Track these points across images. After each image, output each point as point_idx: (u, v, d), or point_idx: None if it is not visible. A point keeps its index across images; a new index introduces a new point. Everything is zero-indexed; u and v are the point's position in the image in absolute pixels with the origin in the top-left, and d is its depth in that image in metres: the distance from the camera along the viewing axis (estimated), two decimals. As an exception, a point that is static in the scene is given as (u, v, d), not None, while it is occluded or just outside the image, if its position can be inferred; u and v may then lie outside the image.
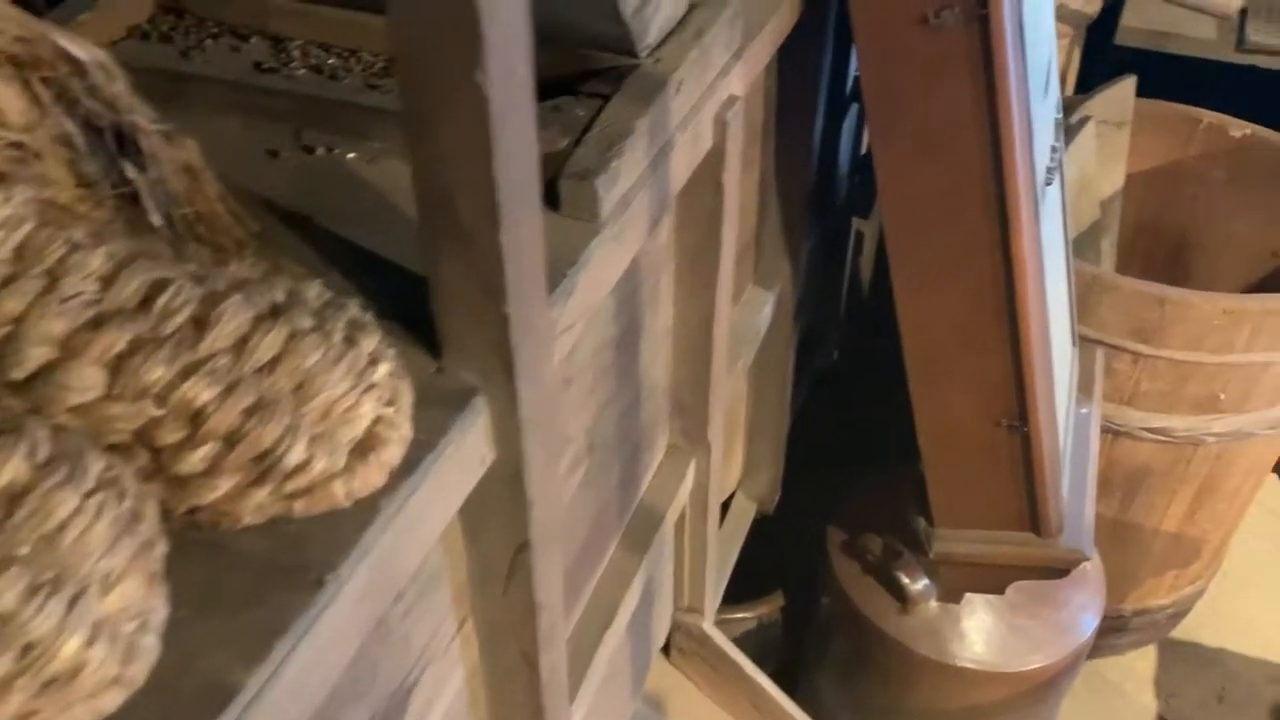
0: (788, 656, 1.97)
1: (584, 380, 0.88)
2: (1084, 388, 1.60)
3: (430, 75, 0.51)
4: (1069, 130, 1.99)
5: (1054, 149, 1.31)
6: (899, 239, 1.24)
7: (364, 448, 0.53)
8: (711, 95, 0.91)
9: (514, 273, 0.57)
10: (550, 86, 0.87)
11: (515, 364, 0.60)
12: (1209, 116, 2.07)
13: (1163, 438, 1.77)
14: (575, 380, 0.85)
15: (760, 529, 1.77)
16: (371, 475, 0.53)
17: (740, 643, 1.95)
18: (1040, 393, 1.28)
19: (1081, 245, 2.09)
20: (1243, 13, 2.54)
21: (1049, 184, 1.26)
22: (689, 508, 1.22)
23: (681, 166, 0.88)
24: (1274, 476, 2.61)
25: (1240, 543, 2.28)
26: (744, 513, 1.68)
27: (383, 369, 0.53)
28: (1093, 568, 1.68)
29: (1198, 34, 2.48)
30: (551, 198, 0.75)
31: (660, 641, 1.33)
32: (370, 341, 0.53)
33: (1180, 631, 2.22)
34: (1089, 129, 1.97)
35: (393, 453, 0.54)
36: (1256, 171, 2.05)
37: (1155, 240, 2.26)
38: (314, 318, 0.52)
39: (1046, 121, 1.28)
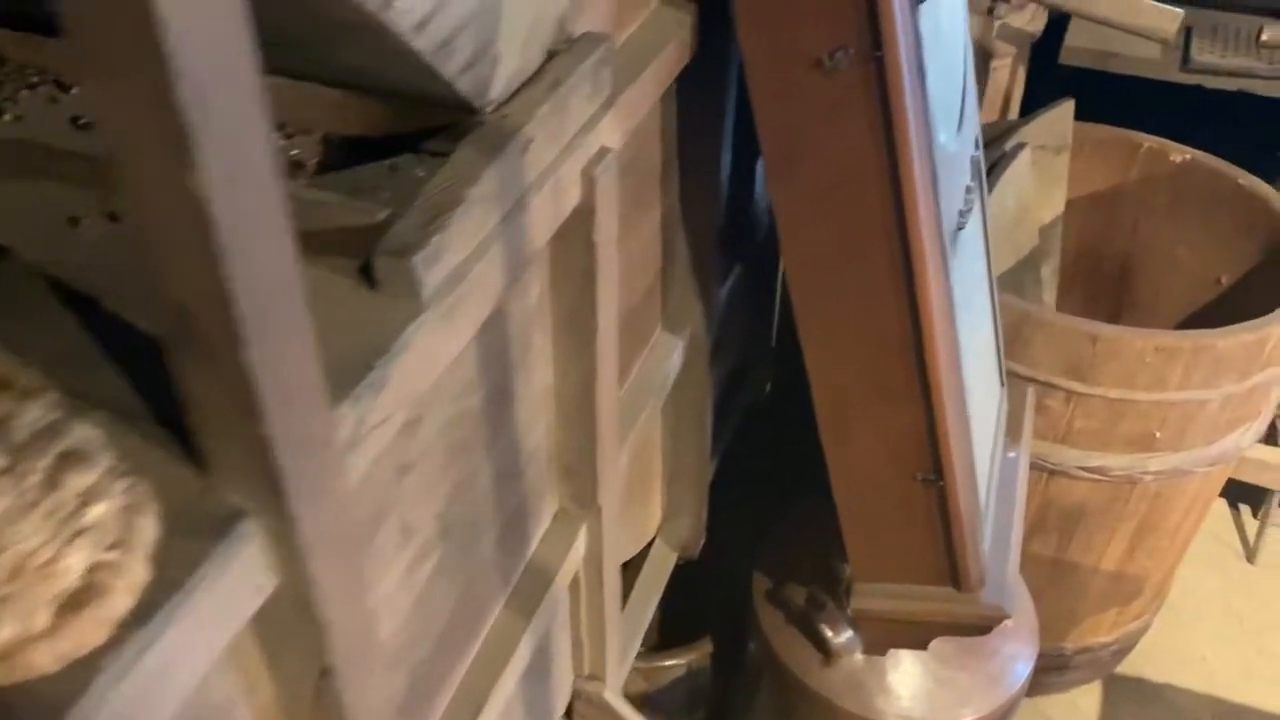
0: (718, 704, 1.90)
1: (431, 462, 0.81)
2: (1012, 430, 1.55)
3: (139, 175, 0.44)
4: (1005, 156, 1.94)
5: (969, 189, 1.25)
6: (802, 287, 1.17)
7: (77, 601, 0.45)
8: (575, 149, 0.84)
9: (274, 389, 0.50)
10: (391, 142, 0.81)
11: (286, 486, 0.53)
12: (1149, 141, 2.03)
13: (1099, 476, 1.72)
14: (419, 464, 0.78)
15: (689, 571, 1.71)
16: (87, 632, 0.46)
17: (670, 690, 1.88)
18: (955, 445, 1.22)
19: (1021, 273, 2.04)
20: (1187, 32, 2.50)
21: (961, 228, 1.20)
22: (583, 573, 1.15)
23: (539, 228, 0.81)
24: (1222, 502, 2.57)
25: (1187, 575, 2.23)
26: (664, 560, 1.61)
27: (99, 509, 0.46)
28: (1024, 616, 1.62)
29: (1141, 54, 2.44)
30: (369, 276, 0.68)
31: (560, 710, 1.26)
32: (85, 477, 0.46)
33: (1125, 667, 2.17)
34: (1025, 155, 1.92)
35: (117, 603, 0.47)
36: (1197, 196, 2.00)
37: (1098, 266, 2.21)
38: (11, 455, 0.45)
39: (960, 162, 1.22)
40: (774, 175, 1.10)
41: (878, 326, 1.16)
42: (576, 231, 0.89)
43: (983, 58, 2.37)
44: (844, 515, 1.33)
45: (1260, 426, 1.80)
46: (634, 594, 1.52)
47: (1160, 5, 1.84)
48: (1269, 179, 2.08)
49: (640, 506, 1.49)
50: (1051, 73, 2.63)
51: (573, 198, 0.86)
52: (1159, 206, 2.06)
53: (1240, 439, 1.76)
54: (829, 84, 1.02)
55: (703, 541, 1.70)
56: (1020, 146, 1.93)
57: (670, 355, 1.35)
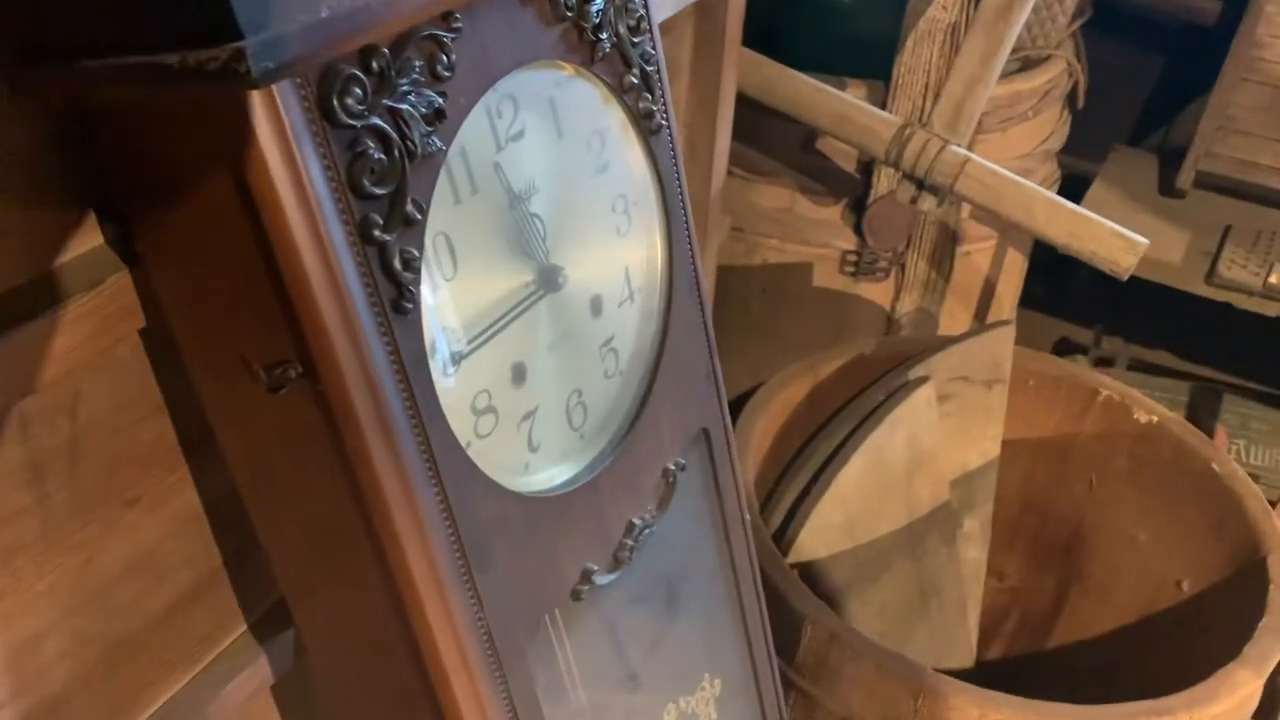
0: None
1: None
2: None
3: None
4: (903, 389, 1.51)
5: (638, 524, 0.85)
6: (318, 666, 0.80)
7: None
8: None
9: None
10: None
11: None
12: (1109, 388, 1.57)
13: None
14: None
15: None
16: None
17: None
18: None
19: (922, 534, 1.60)
20: (1223, 234, 2.02)
21: (585, 592, 0.81)
22: None
23: None
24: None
25: None
26: None
27: None
28: None
29: (1159, 257, 1.97)
30: None
31: None
32: None
33: None
34: (923, 394, 1.49)
35: None
36: (1161, 470, 1.54)
37: (1045, 525, 1.75)
38: None
39: (614, 488, 0.83)
40: (259, 518, 0.74)
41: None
42: None
43: (949, 241, 1.94)
44: None
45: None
46: None
47: (1122, 233, 1.39)
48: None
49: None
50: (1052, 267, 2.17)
51: None
52: (1118, 470, 1.60)
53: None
54: (276, 404, 0.66)
55: None
56: (921, 381, 1.50)
57: (250, 663, 0.98)
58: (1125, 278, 1.40)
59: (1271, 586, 1.28)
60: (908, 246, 1.90)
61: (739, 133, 1.67)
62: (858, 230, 1.88)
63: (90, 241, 0.73)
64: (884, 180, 1.77)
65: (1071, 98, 2.03)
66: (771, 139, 1.86)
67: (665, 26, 1.26)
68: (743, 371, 1.88)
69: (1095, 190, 2.14)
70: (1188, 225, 2.05)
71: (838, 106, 1.54)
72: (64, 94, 0.58)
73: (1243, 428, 2.22)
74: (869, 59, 1.77)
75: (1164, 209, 2.10)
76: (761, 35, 1.89)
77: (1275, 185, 2.04)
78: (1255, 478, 2.15)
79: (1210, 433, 2.26)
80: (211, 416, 0.70)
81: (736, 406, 1.56)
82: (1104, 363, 2.44)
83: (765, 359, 1.94)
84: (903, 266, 1.94)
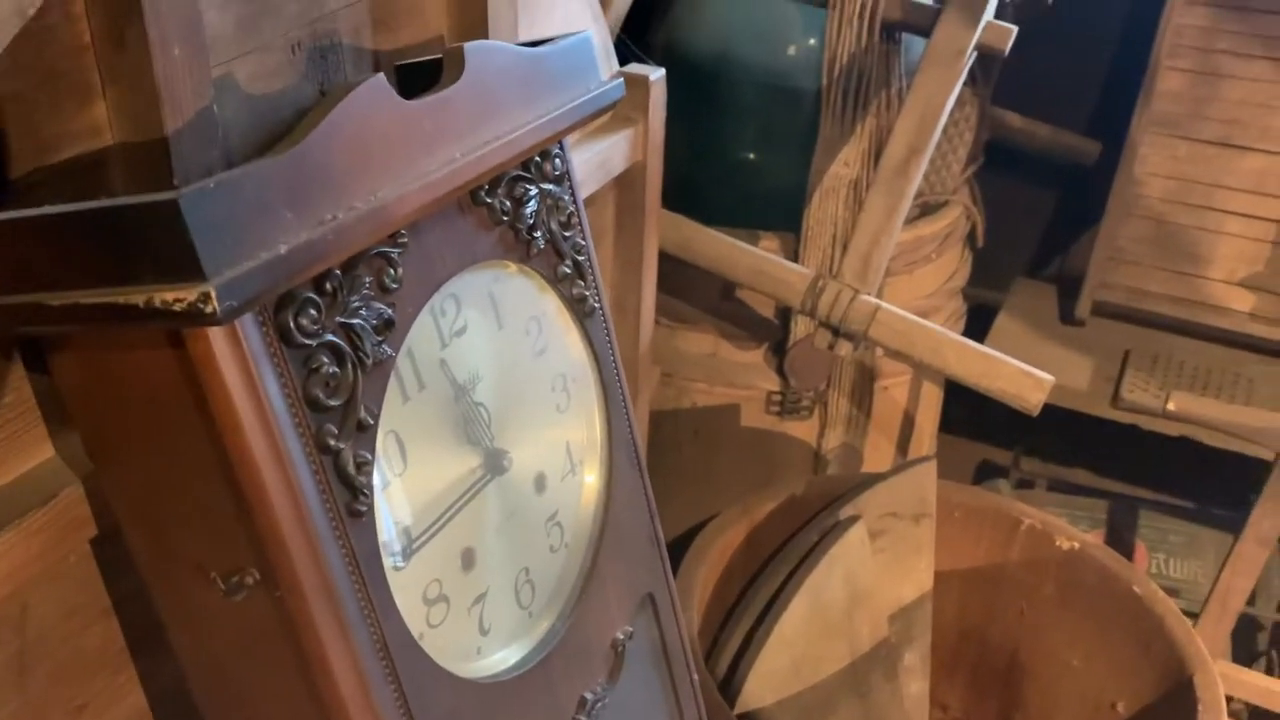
0: None
1: None
2: None
3: None
4: (836, 528, 1.55)
5: (588, 698, 0.86)
6: None
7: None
8: None
9: None
10: None
11: None
12: (1031, 517, 1.63)
13: None
14: None
15: None
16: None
17: None
18: None
19: (865, 670, 1.62)
20: (1124, 358, 2.13)
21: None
22: None
23: None
24: None
25: None
26: None
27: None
28: None
29: (1066, 383, 2.07)
30: None
31: None
32: None
33: None
34: (856, 532, 1.53)
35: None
36: (1088, 595, 1.59)
37: (983, 654, 1.78)
38: None
39: (561, 672, 0.85)
40: (203, 704, 0.74)
41: None
42: None
43: (867, 378, 2.02)
44: None
45: None
46: None
47: (1029, 371, 1.47)
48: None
49: None
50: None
51: None
52: (1047, 596, 1.65)
53: None
54: (234, 609, 0.67)
55: None
56: (853, 520, 1.54)
57: None
58: (1035, 413, 1.47)
59: (1200, 707, 1.32)
60: (828, 385, 1.97)
61: (663, 284, 1.74)
62: (780, 372, 1.95)
63: (41, 455, 0.74)
64: (801, 325, 1.85)
65: (971, 237, 2.15)
66: (694, 288, 1.94)
67: (589, 199, 1.33)
68: (681, 512, 1.91)
69: (1001, 322, 2.25)
70: (1090, 352, 2.16)
71: (753, 262, 1.61)
72: (17, 323, 0.60)
73: (1162, 542, 2.30)
74: (780, 212, 1.86)
75: (1066, 337, 2.21)
76: (679, 190, 1.98)
77: (1166, 311, 2.16)
78: (1176, 591, 2.23)
79: (1131, 548, 2.34)
80: (166, 621, 0.71)
81: (677, 547, 1.58)
82: (1025, 484, 2.51)
83: (700, 499, 1.97)
84: (825, 404, 2.00)
